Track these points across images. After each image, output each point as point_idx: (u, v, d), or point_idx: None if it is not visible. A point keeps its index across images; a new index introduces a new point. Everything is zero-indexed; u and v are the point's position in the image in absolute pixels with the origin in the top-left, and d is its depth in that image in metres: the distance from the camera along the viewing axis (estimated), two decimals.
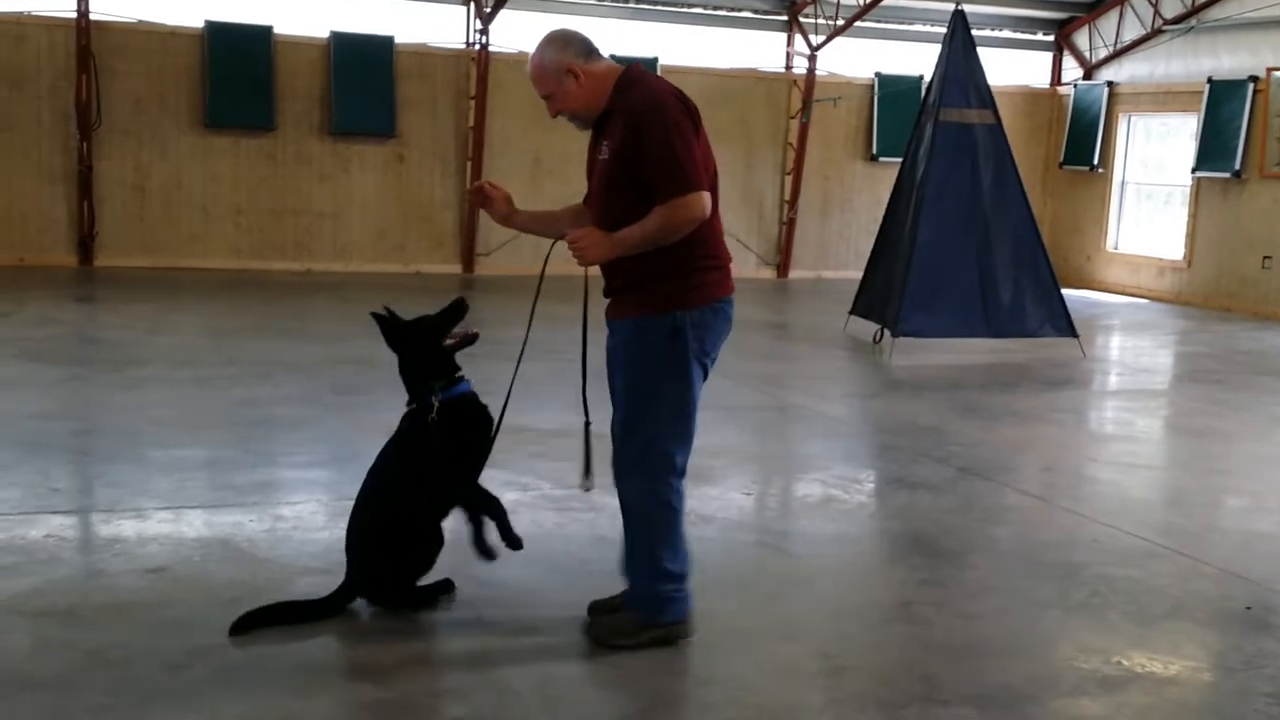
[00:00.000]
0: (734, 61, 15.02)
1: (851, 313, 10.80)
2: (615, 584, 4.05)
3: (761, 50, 15.25)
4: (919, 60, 14.87)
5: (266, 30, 12.99)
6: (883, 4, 14.27)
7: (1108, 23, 15.70)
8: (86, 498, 5.47)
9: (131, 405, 6.94)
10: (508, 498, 4.92)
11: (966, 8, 10.41)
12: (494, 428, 4.10)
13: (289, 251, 13.43)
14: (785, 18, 15.15)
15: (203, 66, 12.80)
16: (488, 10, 13.34)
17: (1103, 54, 15.84)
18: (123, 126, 12.67)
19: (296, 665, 3.75)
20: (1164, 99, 14.99)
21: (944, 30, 10.49)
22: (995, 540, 5.33)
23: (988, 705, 3.64)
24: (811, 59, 14.99)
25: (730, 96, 14.87)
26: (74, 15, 12.29)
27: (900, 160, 10.90)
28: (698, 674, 3.81)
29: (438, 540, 4.11)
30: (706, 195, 3.69)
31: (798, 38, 15.12)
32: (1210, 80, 14.05)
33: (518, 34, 13.22)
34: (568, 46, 3.79)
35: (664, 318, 3.75)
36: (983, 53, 10.42)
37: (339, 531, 4.31)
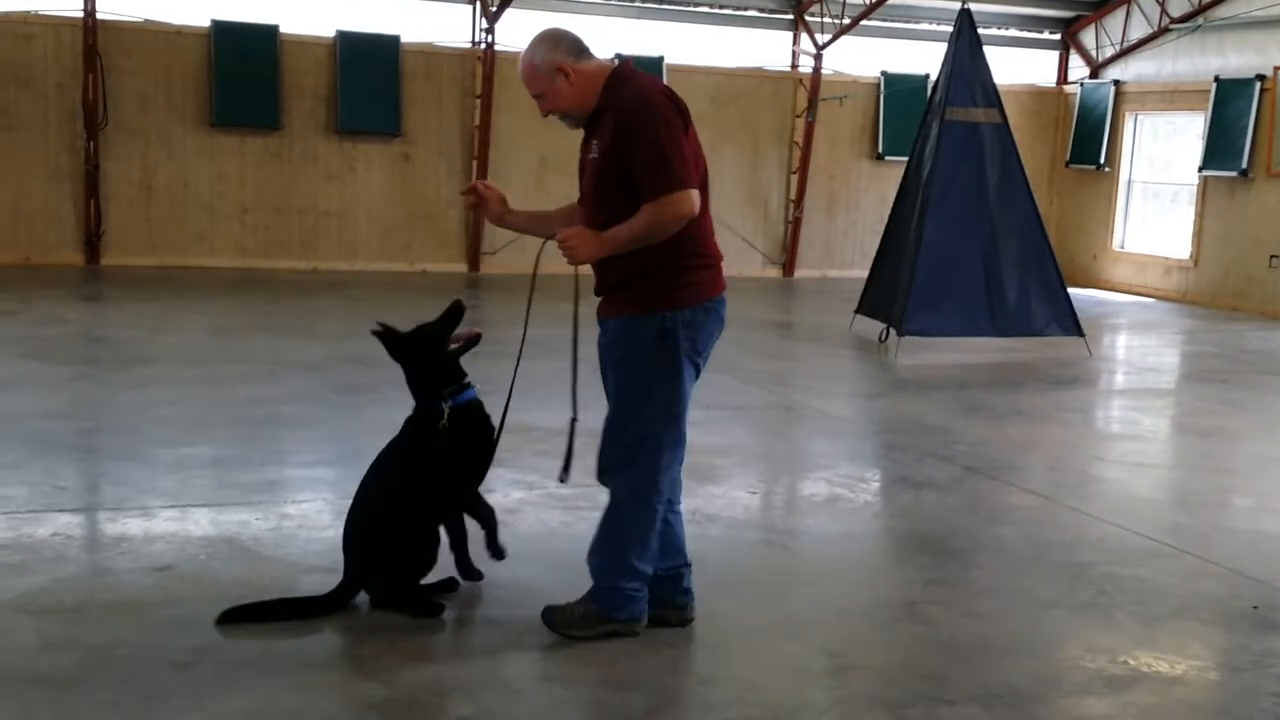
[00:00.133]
0: (740, 60, 15.00)
1: (857, 312, 10.79)
2: None
3: (767, 49, 15.24)
4: (925, 59, 14.84)
5: (272, 29, 13.00)
6: (889, 3, 14.24)
7: (1114, 21, 15.67)
8: (93, 496, 5.48)
9: (138, 404, 6.95)
10: (513, 496, 4.95)
11: (973, 6, 10.38)
12: (498, 430, 4.11)
13: (295, 250, 13.45)
14: (791, 16, 15.14)
15: (209, 66, 12.82)
16: (493, 9, 13.34)
17: (1109, 52, 15.80)
18: (129, 125, 12.69)
19: (302, 663, 3.76)
20: (1171, 98, 14.96)
21: (950, 29, 10.48)
22: (1001, 539, 5.32)
23: (994, 704, 3.63)
24: (817, 58, 14.97)
25: (736, 95, 14.87)
26: (81, 14, 12.32)
27: (906, 159, 10.89)
28: (702, 673, 3.81)
29: (434, 541, 4.13)
30: (695, 193, 3.68)
31: (803, 36, 15.11)
32: (1217, 79, 14.02)
33: (524, 33, 13.17)
34: (558, 46, 3.79)
35: (653, 317, 3.76)
36: (989, 51, 10.41)
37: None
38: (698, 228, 3.79)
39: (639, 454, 3.83)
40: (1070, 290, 10.51)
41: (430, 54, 13.73)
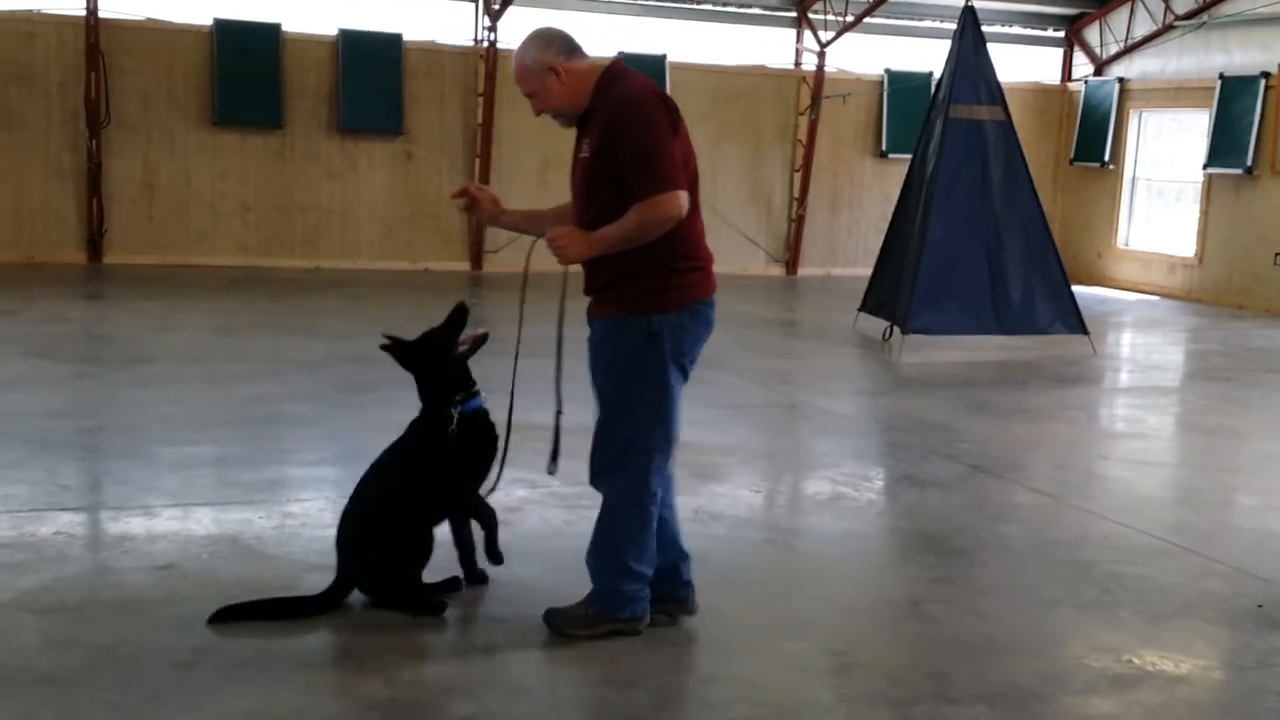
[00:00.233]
0: (743, 58, 14.99)
1: (861, 310, 10.78)
2: None
3: (770, 47, 15.22)
4: (929, 56, 14.83)
5: (275, 28, 13.00)
6: (892, 0, 14.22)
7: (1119, 18, 15.63)
8: (95, 495, 5.48)
9: (140, 402, 6.95)
10: (516, 495, 4.93)
11: (976, 4, 10.36)
12: (505, 432, 4.11)
13: (297, 249, 13.45)
14: (794, 14, 15.11)
15: (211, 64, 12.82)
16: (495, 7, 13.34)
17: (1114, 50, 15.77)
18: (131, 124, 12.70)
19: (304, 662, 3.75)
20: (1175, 95, 14.92)
21: (954, 26, 10.47)
22: (1006, 538, 5.30)
23: (998, 703, 3.62)
24: (821, 55, 14.95)
25: (739, 93, 14.86)
26: (83, 13, 12.32)
27: (910, 157, 10.87)
28: (705, 672, 3.79)
29: (429, 539, 4.13)
30: (683, 194, 3.66)
31: (807, 34, 15.08)
32: (1222, 76, 13.99)
33: (526, 31, 13.18)
34: (550, 45, 3.79)
35: (640, 320, 3.76)
36: (993, 49, 10.39)
37: None
38: (688, 229, 3.77)
39: (628, 456, 3.83)
40: (1074, 288, 10.50)
41: (432, 52, 13.72)
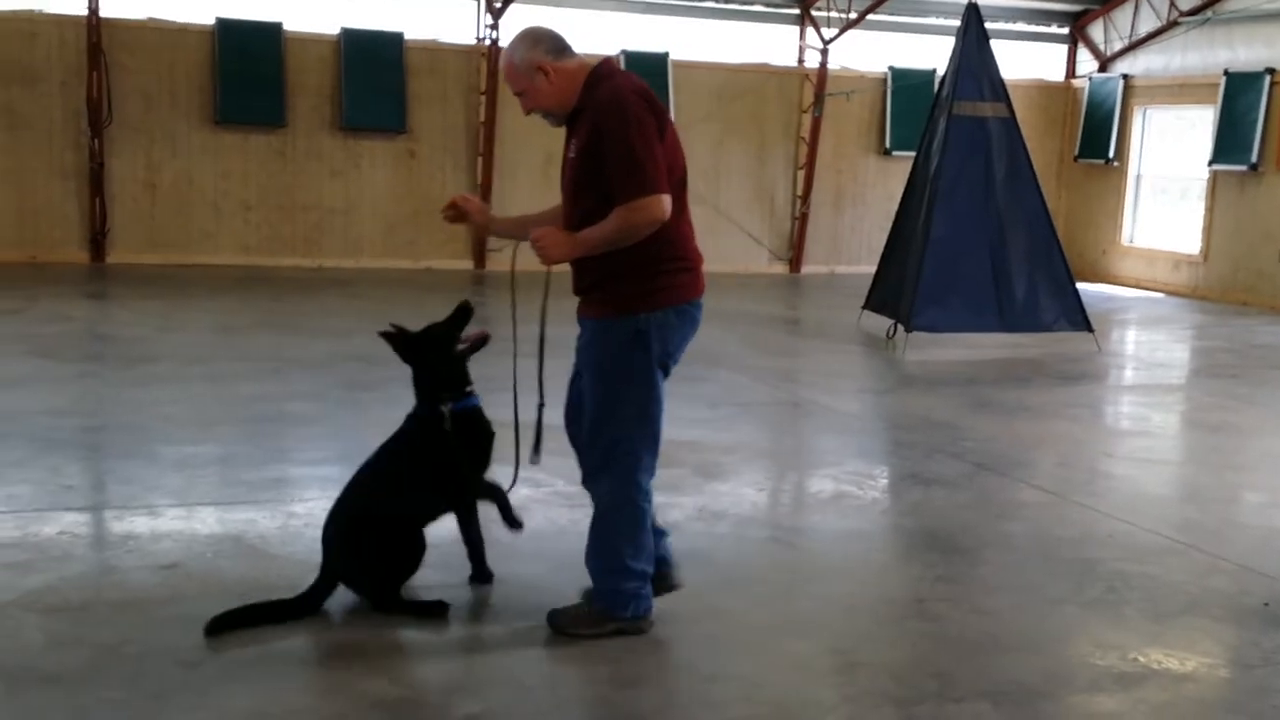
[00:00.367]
0: (746, 56, 14.97)
1: (865, 308, 10.77)
2: None
3: (773, 44, 15.20)
4: (932, 53, 14.81)
5: (276, 27, 13.00)
6: None
7: (1123, 15, 15.61)
8: (99, 494, 5.48)
9: (143, 401, 6.95)
10: (520, 494, 4.92)
11: (980, 0, 10.35)
12: (514, 430, 4.10)
13: (299, 248, 13.45)
14: (797, 11, 15.09)
15: (213, 63, 12.82)
16: (497, 6, 13.33)
17: (1118, 46, 15.74)
18: (133, 123, 12.70)
19: (308, 661, 3.76)
20: (1180, 92, 14.90)
21: (957, 23, 10.45)
22: (1010, 536, 5.29)
23: (1003, 701, 3.61)
24: (824, 53, 14.93)
25: (742, 91, 14.85)
26: (85, 12, 12.32)
27: (914, 154, 10.86)
28: (709, 671, 3.79)
29: (418, 544, 4.10)
30: (665, 198, 3.65)
31: (810, 31, 15.06)
32: (1227, 72, 13.96)
33: None
34: (538, 44, 3.79)
35: (627, 319, 3.76)
36: (996, 45, 10.37)
37: None
38: (675, 231, 3.77)
39: (614, 456, 3.85)
40: (1079, 285, 10.48)
41: (435, 51, 13.72)
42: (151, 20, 12.70)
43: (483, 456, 4.18)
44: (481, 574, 4.30)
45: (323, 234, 13.54)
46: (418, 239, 13.82)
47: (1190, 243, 14.72)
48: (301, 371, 7.95)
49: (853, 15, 14.43)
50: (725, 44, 14.86)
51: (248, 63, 12.80)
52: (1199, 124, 14.74)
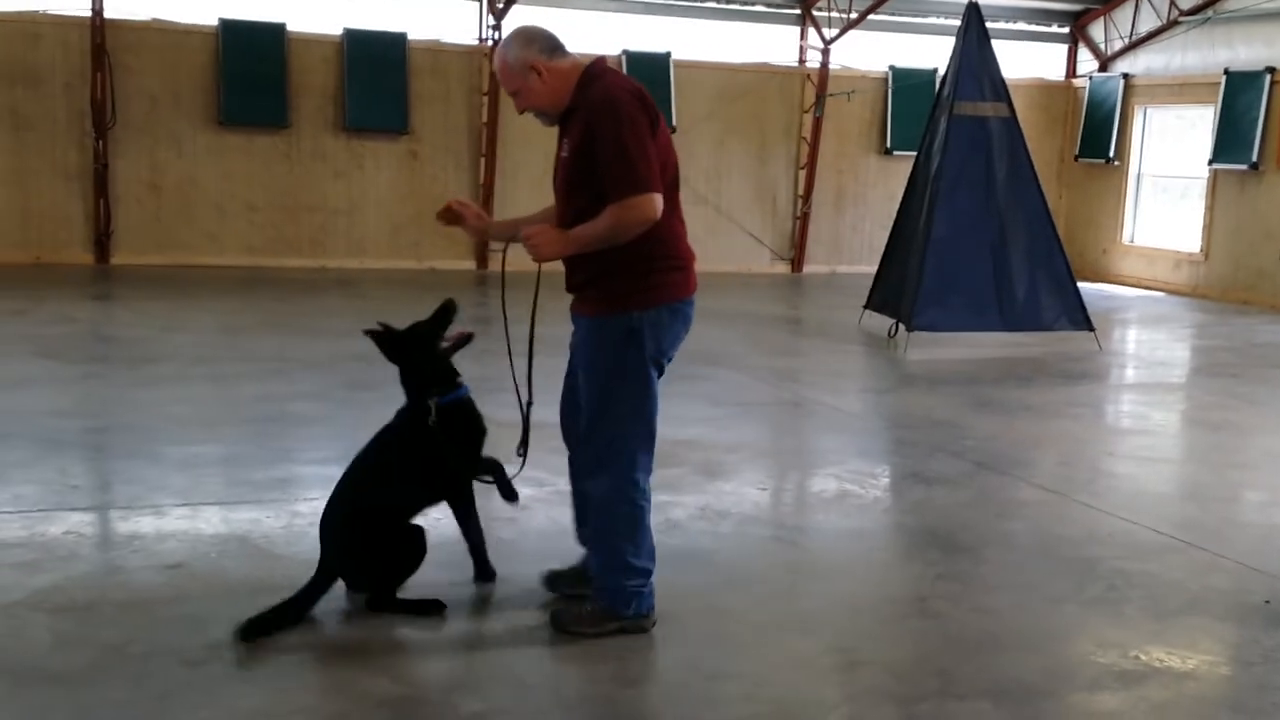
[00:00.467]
0: (747, 56, 14.99)
1: (866, 307, 10.78)
2: None
3: (775, 44, 15.21)
4: (933, 53, 14.82)
5: (280, 28, 13.02)
6: None
7: (1123, 14, 15.61)
8: (104, 494, 5.51)
9: (148, 402, 6.97)
10: (524, 493, 4.93)
11: (980, 0, 10.36)
12: (523, 431, 4.11)
13: (303, 249, 13.48)
14: (799, 11, 15.11)
15: (217, 64, 12.85)
16: (500, 6, 13.35)
17: (1118, 46, 15.75)
18: (138, 124, 12.73)
19: (312, 660, 3.77)
20: (1180, 91, 14.90)
21: (958, 23, 10.46)
22: (1011, 535, 5.31)
23: (1004, 700, 3.63)
24: (825, 53, 14.95)
25: (744, 91, 14.86)
26: (88, 14, 12.35)
27: (915, 154, 10.88)
28: (712, 669, 3.80)
29: (415, 542, 4.11)
30: (657, 197, 3.67)
31: (811, 31, 15.08)
32: (1227, 72, 13.97)
33: None
34: (531, 43, 3.81)
35: (620, 317, 3.79)
36: (997, 45, 10.38)
37: None
38: (667, 230, 3.79)
39: (611, 454, 3.87)
40: (1079, 284, 10.49)
41: (437, 51, 13.74)
42: (155, 21, 12.73)
43: (471, 449, 4.15)
44: (484, 572, 4.31)
45: (326, 235, 13.56)
46: (421, 240, 13.84)
47: (1191, 242, 14.73)
48: (305, 372, 7.97)
49: (854, 15, 14.44)
50: (726, 44, 14.88)
51: (251, 64, 12.83)
52: (1199, 123, 14.75)
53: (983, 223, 9.94)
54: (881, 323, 10.36)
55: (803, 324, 12.13)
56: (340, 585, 4.10)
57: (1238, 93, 13.78)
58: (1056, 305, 10.14)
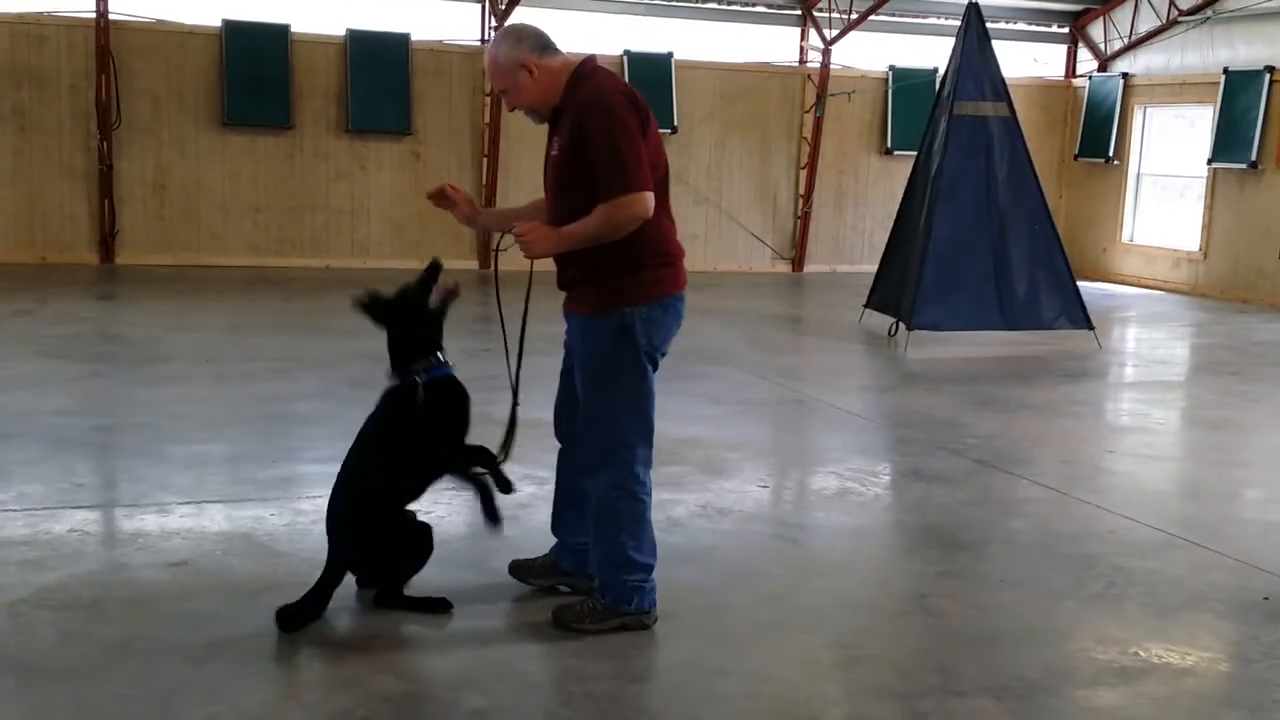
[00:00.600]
0: (748, 56, 15.00)
1: (867, 306, 10.80)
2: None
3: (775, 45, 15.22)
4: (933, 53, 14.83)
5: (283, 29, 13.05)
6: None
7: (1123, 14, 15.62)
8: (109, 493, 5.53)
9: (153, 401, 7.00)
10: (525, 491, 4.97)
11: (980, 0, 10.38)
12: (510, 429, 4.12)
13: (307, 249, 13.51)
14: (799, 12, 15.12)
15: (220, 65, 12.87)
16: (502, 7, 13.36)
17: (1118, 45, 15.76)
18: (142, 125, 12.76)
19: (315, 657, 3.79)
20: (1180, 90, 14.91)
21: (958, 23, 10.47)
22: (1012, 532, 5.33)
23: (1005, 696, 3.65)
24: (825, 53, 14.96)
25: (744, 91, 14.88)
26: (93, 15, 12.38)
27: (915, 154, 10.89)
28: (715, 665, 3.83)
29: (423, 542, 4.11)
30: (649, 195, 3.71)
31: (811, 32, 15.09)
32: (1226, 71, 13.98)
33: None
34: (522, 42, 3.83)
35: (613, 314, 3.82)
36: (997, 45, 10.40)
37: None
38: (656, 227, 3.82)
39: (609, 450, 3.89)
40: (1079, 283, 10.51)
41: (440, 52, 13.76)
42: (159, 23, 12.76)
43: (460, 423, 4.08)
44: (491, 514, 4.08)
45: (330, 235, 13.59)
46: (424, 239, 13.84)
47: (1190, 240, 14.73)
48: (310, 371, 8.00)
49: (854, 15, 14.45)
50: (727, 44, 14.89)
51: (255, 65, 12.86)
52: (1199, 122, 14.76)
53: (983, 222, 9.96)
54: (882, 322, 10.38)
55: (803, 323, 12.15)
56: (351, 582, 4.12)
57: (1237, 92, 13.79)
58: (1056, 304, 10.16)
